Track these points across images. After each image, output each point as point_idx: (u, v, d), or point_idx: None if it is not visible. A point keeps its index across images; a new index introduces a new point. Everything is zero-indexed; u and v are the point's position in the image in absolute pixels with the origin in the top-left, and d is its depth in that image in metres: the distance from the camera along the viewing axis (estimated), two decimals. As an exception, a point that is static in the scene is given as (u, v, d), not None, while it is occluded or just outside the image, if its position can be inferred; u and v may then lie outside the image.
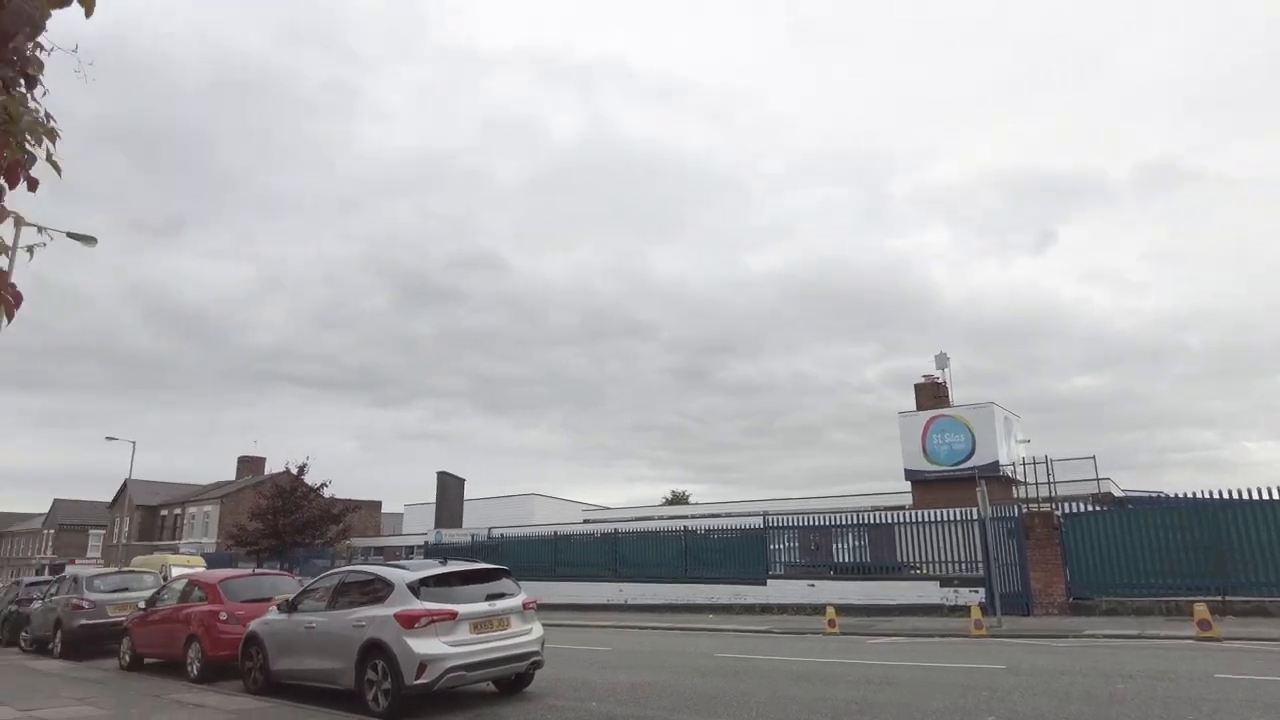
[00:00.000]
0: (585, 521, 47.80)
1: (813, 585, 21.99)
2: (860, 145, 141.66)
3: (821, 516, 25.10)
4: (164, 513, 65.16)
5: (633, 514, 49.69)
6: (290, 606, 10.47)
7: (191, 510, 61.28)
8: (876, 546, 22.63)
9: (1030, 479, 20.40)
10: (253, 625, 10.92)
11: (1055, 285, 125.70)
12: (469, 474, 49.40)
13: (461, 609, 8.87)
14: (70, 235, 24.59)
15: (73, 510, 78.33)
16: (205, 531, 57.84)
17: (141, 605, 13.90)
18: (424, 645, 8.49)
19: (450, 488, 46.02)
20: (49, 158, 3.32)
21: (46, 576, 21.11)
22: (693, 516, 42.77)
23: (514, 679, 9.66)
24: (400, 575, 9.23)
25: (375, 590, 9.38)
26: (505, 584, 9.81)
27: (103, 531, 71.68)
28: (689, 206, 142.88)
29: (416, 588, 8.98)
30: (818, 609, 19.81)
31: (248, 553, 44.11)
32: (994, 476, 27.47)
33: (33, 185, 3.39)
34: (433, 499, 49.05)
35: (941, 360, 32.93)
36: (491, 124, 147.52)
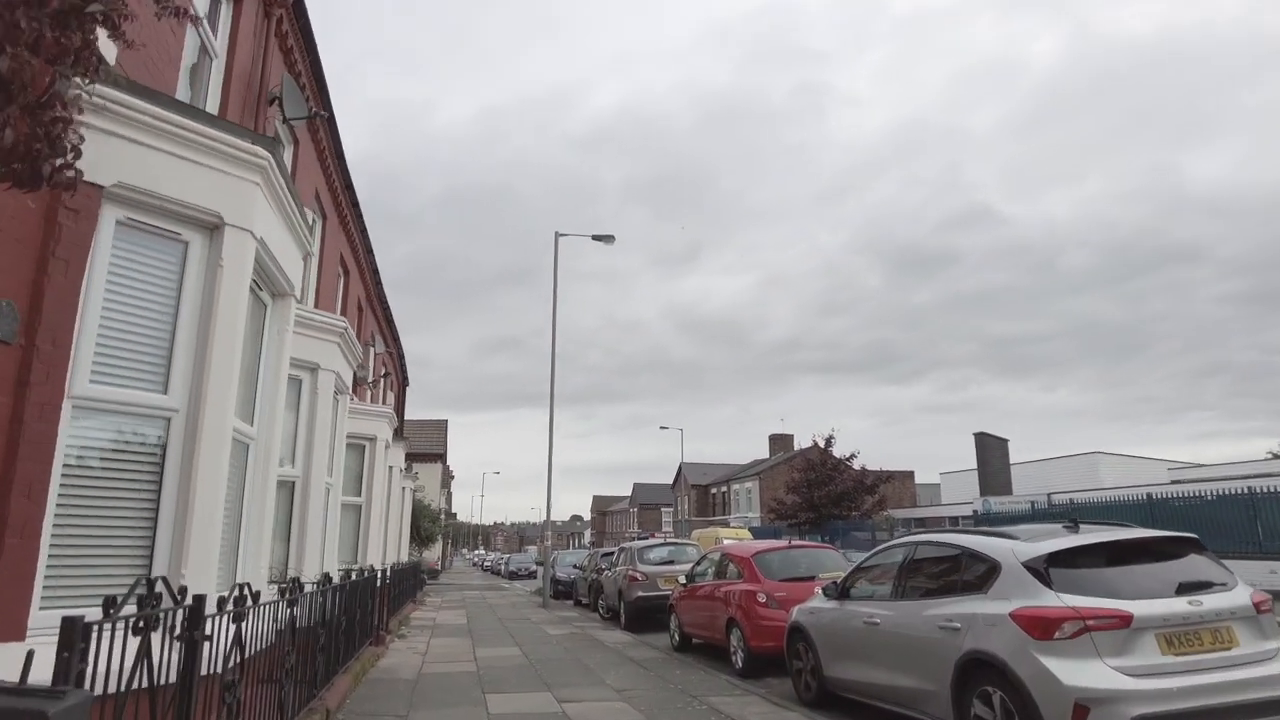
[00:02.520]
0: (1174, 482, 38.05)
1: None
2: None
3: None
4: (713, 491, 71.35)
5: (1238, 470, 38.15)
6: (841, 591, 7.62)
7: (735, 487, 65.72)
8: None
9: None
10: (796, 614, 8.38)
11: None
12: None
13: (1137, 608, 4.92)
14: (594, 237, 26.79)
15: (647, 492, 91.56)
16: (749, 506, 61.29)
17: (683, 580, 12.68)
18: (1078, 672, 4.75)
19: (992, 450, 40.42)
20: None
21: (609, 547, 22.48)
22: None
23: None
24: (1009, 548, 5.61)
25: (967, 570, 5.93)
26: (1199, 564, 5.50)
27: (670, 509, 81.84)
28: (1226, 92, 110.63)
29: (1042, 568, 5.28)
30: None
31: (788, 525, 44.66)
32: None
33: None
34: (970, 466, 43.87)
35: None
36: (960, 76, 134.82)
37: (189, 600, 3.40)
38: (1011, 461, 42.31)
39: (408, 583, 19.21)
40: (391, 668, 9.94)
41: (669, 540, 19.50)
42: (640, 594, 15.41)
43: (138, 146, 4.51)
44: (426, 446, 45.75)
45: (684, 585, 12.51)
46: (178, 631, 3.27)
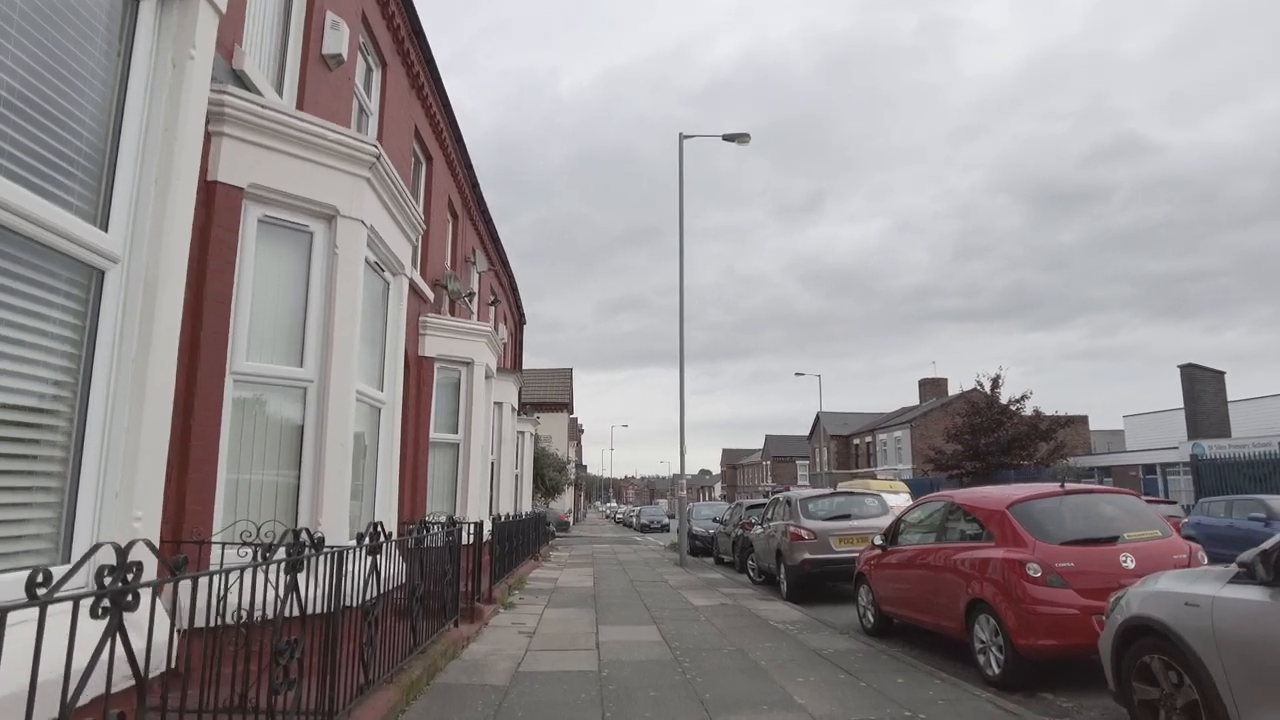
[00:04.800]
0: None
1: None
2: None
3: None
4: (855, 441, 66.60)
5: None
6: (1276, 569, 3.98)
7: (881, 437, 60.80)
8: None
9: None
10: (1137, 601, 4.77)
11: None
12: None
13: None
14: (725, 137, 23.22)
15: (781, 444, 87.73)
16: (898, 457, 56.38)
17: (878, 541, 9.21)
18: None
19: (1204, 386, 34.16)
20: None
21: (760, 500, 19.21)
22: None
23: None
24: None
25: None
26: None
27: (806, 461, 77.70)
28: None
29: None
30: None
31: (948, 477, 39.98)
32: None
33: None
34: (1157, 408, 37.63)
35: None
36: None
37: None
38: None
39: (526, 538, 16.64)
40: (478, 662, 7.04)
41: (839, 490, 15.95)
42: (808, 556, 12.04)
43: None
44: (551, 395, 43.77)
45: (880, 547, 9.05)
46: None
